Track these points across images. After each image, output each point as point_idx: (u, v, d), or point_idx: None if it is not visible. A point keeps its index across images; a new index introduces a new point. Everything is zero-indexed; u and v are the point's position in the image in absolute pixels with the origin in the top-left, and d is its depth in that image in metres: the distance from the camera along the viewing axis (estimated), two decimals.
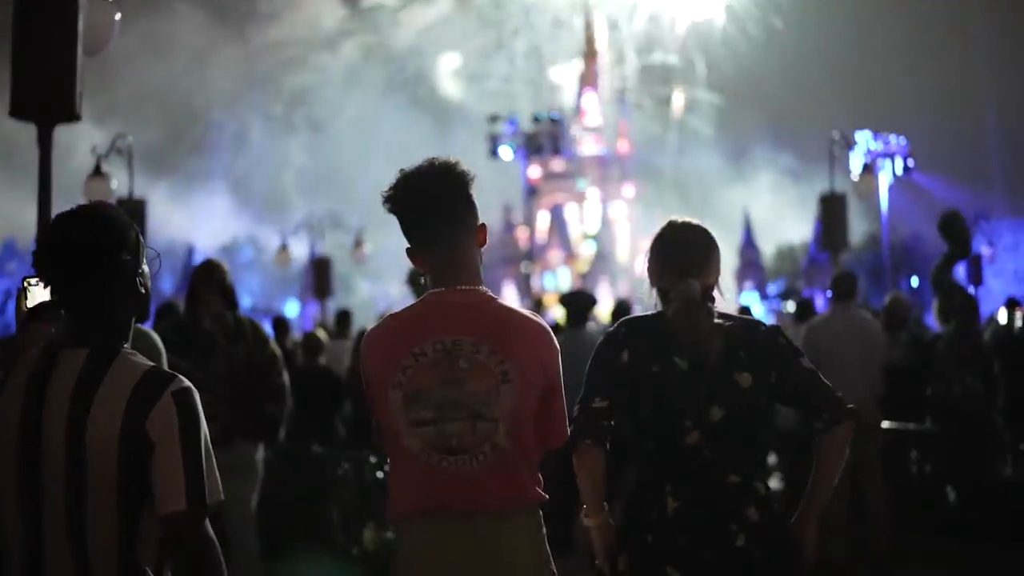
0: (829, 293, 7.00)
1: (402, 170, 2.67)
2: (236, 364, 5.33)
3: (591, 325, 7.17)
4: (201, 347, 5.29)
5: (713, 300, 2.94)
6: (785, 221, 72.94)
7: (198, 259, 52.95)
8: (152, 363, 2.23)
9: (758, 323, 2.99)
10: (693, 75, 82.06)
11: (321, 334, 9.36)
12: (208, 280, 5.44)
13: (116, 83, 52.46)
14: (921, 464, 8.12)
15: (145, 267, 2.33)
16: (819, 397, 2.91)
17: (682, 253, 2.95)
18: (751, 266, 58.77)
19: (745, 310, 9.66)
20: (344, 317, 13.20)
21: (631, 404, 2.92)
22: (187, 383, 2.19)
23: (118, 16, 6.68)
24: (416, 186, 2.63)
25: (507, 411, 2.54)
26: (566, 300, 6.90)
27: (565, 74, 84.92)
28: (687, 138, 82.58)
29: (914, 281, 44.99)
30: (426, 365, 2.57)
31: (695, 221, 3.04)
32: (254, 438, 5.47)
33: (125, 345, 2.27)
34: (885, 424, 7.32)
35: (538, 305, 28.48)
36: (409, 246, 2.69)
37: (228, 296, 5.48)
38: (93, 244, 2.20)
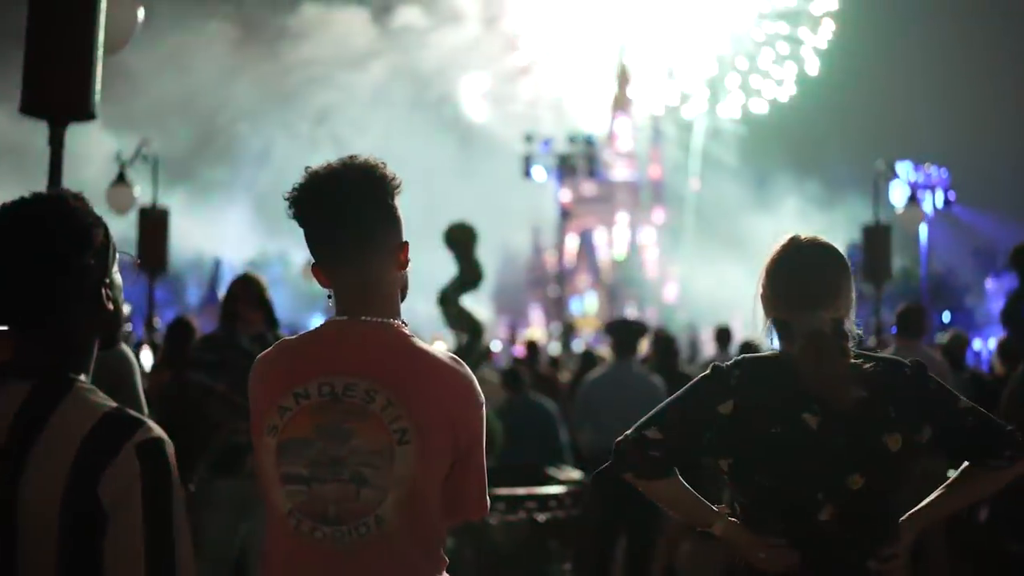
0: (894, 329, 6.42)
1: (309, 167, 2.19)
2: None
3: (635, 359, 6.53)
4: (239, 369, 4.85)
5: (847, 337, 2.41)
6: None
7: (226, 273, 52.91)
8: (114, 404, 1.69)
9: (900, 363, 2.43)
10: (716, 101, 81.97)
11: None
12: (247, 296, 5.00)
13: (141, 93, 52.59)
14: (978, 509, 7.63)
15: (116, 275, 1.83)
16: (993, 436, 2.38)
17: (809, 277, 2.44)
18: None
19: None
20: None
21: (739, 470, 2.41)
22: (157, 432, 1.69)
23: (141, 12, 6.36)
24: (325, 189, 2.13)
25: (399, 479, 2.03)
26: (613, 328, 6.32)
27: (593, 99, 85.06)
28: (711, 165, 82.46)
29: (946, 316, 44.32)
30: (306, 409, 2.07)
31: (823, 238, 2.53)
32: None
33: (83, 377, 1.74)
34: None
35: (569, 329, 28.06)
36: (315, 261, 2.21)
37: (267, 313, 5.05)
38: (43, 241, 1.70)
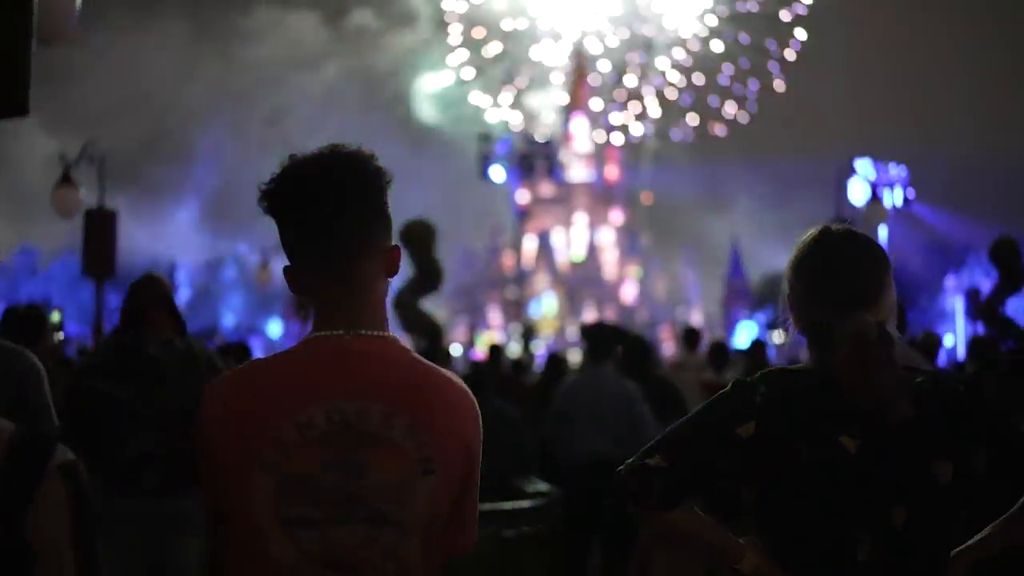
0: None
1: (292, 156, 1.90)
2: (186, 398, 4.44)
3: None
4: (145, 377, 4.41)
5: (893, 344, 2.02)
6: (767, 247, 73.02)
7: (181, 277, 52.24)
8: (12, 424, 1.44)
9: (952, 378, 2.12)
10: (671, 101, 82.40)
11: None
12: (153, 297, 4.54)
13: (89, 94, 51.98)
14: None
15: None
16: None
17: (850, 273, 2.08)
18: (739, 294, 58.24)
19: (760, 345, 8.76)
20: None
21: (764, 501, 2.06)
22: (69, 452, 1.47)
23: (79, 2, 6.04)
24: (310, 182, 1.84)
25: (422, 515, 1.80)
26: (588, 331, 6.00)
27: (546, 100, 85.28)
28: (663, 164, 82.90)
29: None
30: (314, 441, 1.79)
31: (858, 230, 2.18)
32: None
33: None
34: None
35: (529, 331, 27.71)
36: (289, 264, 1.91)
37: (176, 317, 4.60)
38: None
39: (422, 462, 1.78)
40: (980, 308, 6.26)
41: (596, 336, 5.72)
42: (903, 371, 2.01)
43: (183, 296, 53.04)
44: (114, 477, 4.18)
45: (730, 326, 56.50)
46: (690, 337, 8.49)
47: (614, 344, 5.77)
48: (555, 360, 8.29)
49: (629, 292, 77.06)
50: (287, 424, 1.78)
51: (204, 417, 1.86)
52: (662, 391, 6.10)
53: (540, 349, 52.19)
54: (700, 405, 2.15)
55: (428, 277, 5.01)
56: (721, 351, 6.81)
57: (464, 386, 1.91)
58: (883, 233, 20.55)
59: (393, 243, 1.93)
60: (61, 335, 6.35)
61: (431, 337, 4.94)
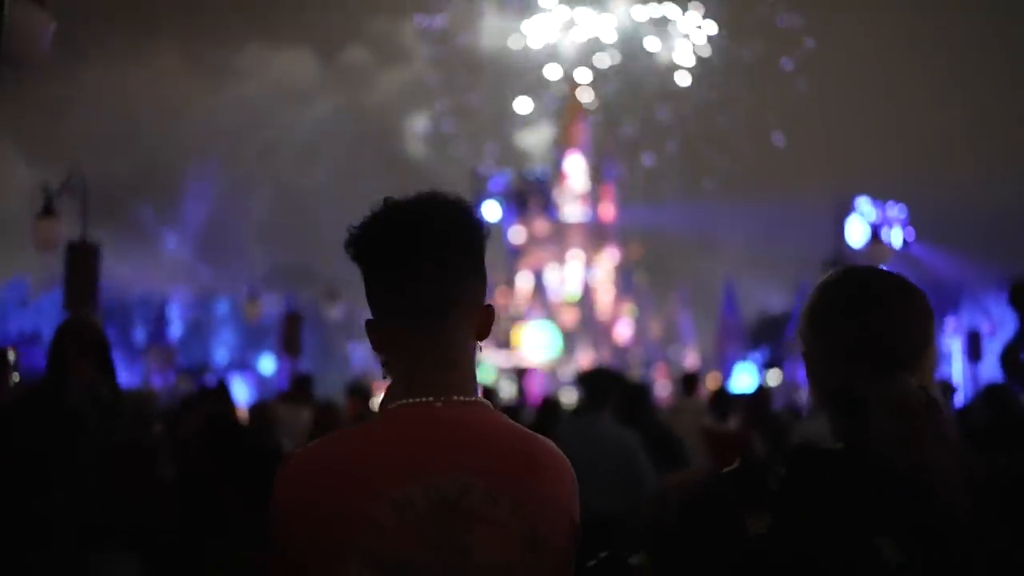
0: None
1: (387, 198, 1.78)
2: (106, 450, 4.09)
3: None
4: (64, 427, 4.06)
5: (943, 415, 1.58)
6: (761, 286, 73.22)
7: (173, 313, 51.92)
8: None
9: (1014, 464, 1.59)
10: (662, 136, 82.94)
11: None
12: (79, 339, 4.19)
13: (72, 123, 52.12)
14: None
15: None
16: None
17: (884, 327, 1.65)
18: (733, 333, 57.94)
19: (764, 391, 8.38)
20: (303, 383, 11.16)
21: None
22: None
23: (52, 26, 5.78)
24: (408, 228, 1.70)
25: None
26: (586, 378, 5.60)
27: (536, 137, 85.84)
28: (658, 201, 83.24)
29: None
30: (413, 523, 1.61)
31: (891, 271, 1.76)
32: (126, 547, 4.20)
33: None
34: None
35: (521, 372, 27.24)
36: (373, 317, 1.77)
37: (104, 361, 4.24)
38: None
39: (528, 541, 1.67)
40: (1001, 356, 5.90)
41: (594, 383, 5.34)
42: (959, 452, 1.57)
43: (175, 331, 52.69)
44: (26, 532, 3.91)
45: (725, 365, 56.12)
46: (688, 381, 8.13)
47: (612, 391, 5.40)
48: (549, 404, 7.92)
49: (624, 331, 76.76)
50: (383, 504, 1.62)
51: (279, 504, 1.68)
52: (661, 439, 5.76)
53: (532, 382, 51.76)
54: (697, 488, 1.76)
55: None
56: (723, 398, 6.45)
57: (561, 453, 1.80)
58: None
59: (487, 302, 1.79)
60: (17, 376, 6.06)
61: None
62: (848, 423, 1.65)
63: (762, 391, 8.12)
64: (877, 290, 1.70)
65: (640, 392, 6.32)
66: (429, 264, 1.68)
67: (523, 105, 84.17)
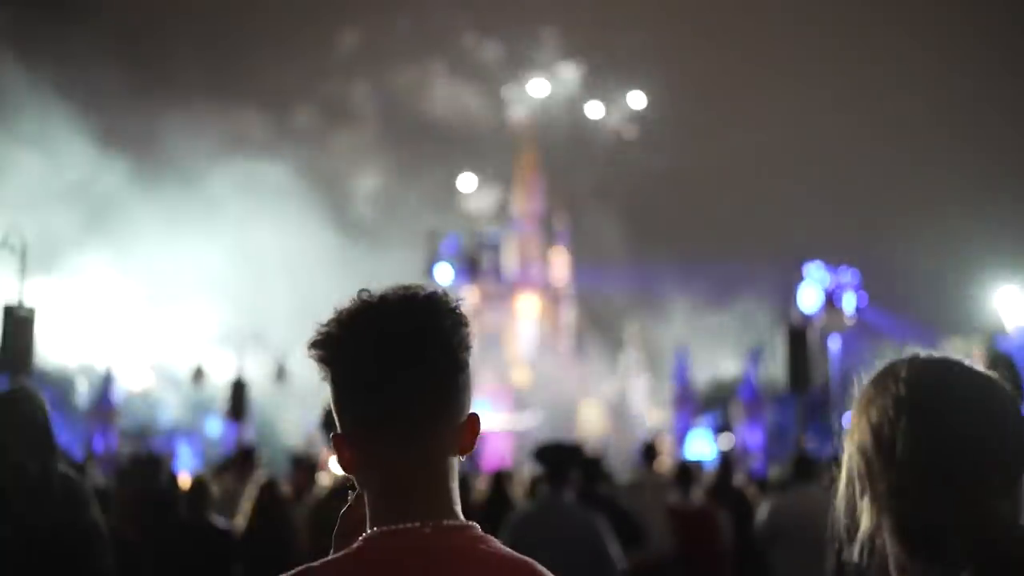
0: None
1: (361, 291, 1.56)
2: (34, 536, 3.69)
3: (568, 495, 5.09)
4: None
5: None
6: (706, 350, 73.73)
7: (115, 387, 50.90)
8: None
9: None
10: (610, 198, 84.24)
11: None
12: (9, 412, 3.83)
13: (7, 177, 51.86)
14: None
15: None
16: None
17: (987, 443, 1.29)
18: (685, 399, 57.83)
19: (727, 461, 8.05)
20: (246, 456, 10.59)
21: None
22: None
23: None
24: (379, 330, 1.50)
25: None
26: (543, 455, 5.09)
27: (481, 199, 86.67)
28: (603, 263, 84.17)
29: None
30: None
31: (974, 364, 1.39)
32: None
33: None
34: None
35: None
36: (341, 429, 1.56)
37: (38, 438, 3.87)
38: None
39: None
40: None
41: (553, 459, 4.92)
42: None
43: (119, 395, 51.60)
44: None
45: (679, 430, 55.99)
46: (648, 452, 7.81)
47: (572, 467, 5.00)
48: (500, 480, 7.53)
49: (578, 396, 76.59)
50: None
51: None
52: (622, 517, 5.43)
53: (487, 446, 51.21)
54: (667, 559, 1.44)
55: None
56: (686, 472, 6.15)
57: None
58: (834, 345, 20.24)
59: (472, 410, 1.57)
60: None
61: None
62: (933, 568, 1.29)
63: (725, 462, 7.82)
64: (974, 397, 1.35)
65: (599, 467, 5.99)
66: (409, 369, 1.48)
67: (467, 183, 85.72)
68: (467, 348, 1.54)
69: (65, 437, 47.73)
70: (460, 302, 1.54)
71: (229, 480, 9.22)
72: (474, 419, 1.56)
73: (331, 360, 1.55)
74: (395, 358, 1.48)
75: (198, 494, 6.65)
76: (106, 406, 45.43)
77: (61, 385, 53.48)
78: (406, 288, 1.53)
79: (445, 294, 1.53)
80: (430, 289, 1.53)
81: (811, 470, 5.91)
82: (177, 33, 73.68)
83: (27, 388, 4.05)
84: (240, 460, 10.62)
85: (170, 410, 57.76)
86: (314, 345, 1.56)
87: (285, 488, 8.30)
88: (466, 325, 1.53)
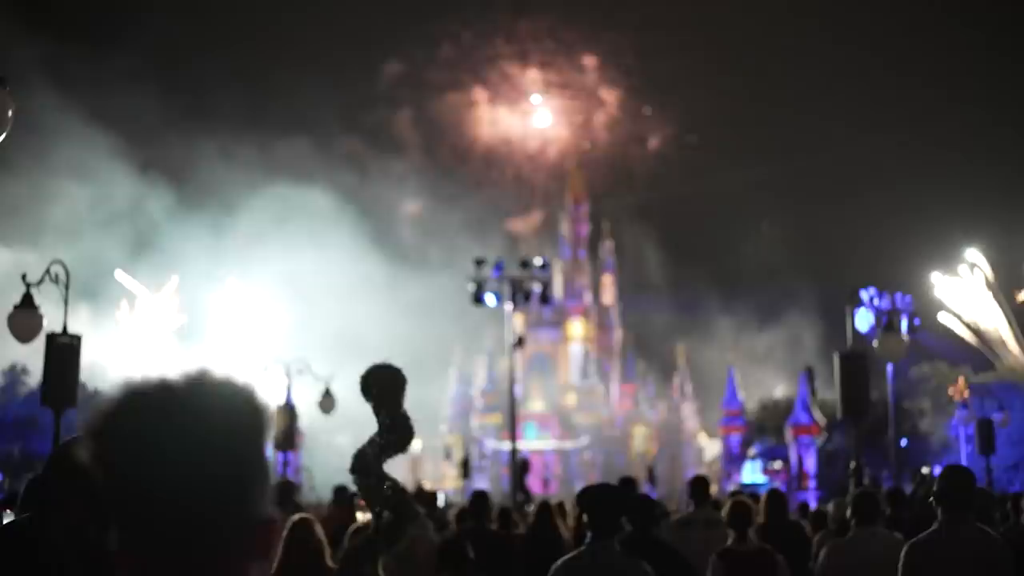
0: (936, 500, 4.72)
1: (126, 383, 1.33)
2: None
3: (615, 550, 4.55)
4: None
5: None
6: (753, 373, 73.03)
7: None
8: None
9: None
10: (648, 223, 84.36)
11: None
12: (71, 473, 3.53)
13: (60, 206, 52.43)
14: None
15: None
16: None
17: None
18: (735, 423, 57.00)
19: (778, 498, 7.56)
20: (285, 489, 10.00)
21: None
22: None
23: (11, 111, 5.43)
24: (157, 420, 1.27)
25: None
26: (586, 501, 4.65)
27: (524, 225, 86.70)
28: (645, 290, 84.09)
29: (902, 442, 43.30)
30: None
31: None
32: None
33: None
34: None
35: (524, 467, 26.22)
36: (120, 543, 1.28)
37: (97, 503, 3.57)
38: None
39: None
40: None
41: (598, 508, 4.57)
42: None
43: None
44: None
45: (730, 454, 55.21)
46: (698, 487, 7.44)
47: (620, 515, 4.67)
48: (545, 513, 7.20)
49: (626, 418, 75.84)
50: None
51: None
52: (673, 567, 5.11)
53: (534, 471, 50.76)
54: None
55: (395, 435, 4.09)
56: (741, 513, 5.77)
57: None
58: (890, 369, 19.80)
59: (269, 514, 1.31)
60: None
61: (396, 511, 3.97)
62: None
63: (778, 498, 7.38)
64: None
65: (650, 514, 5.66)
66: (185, 468, 1.26)
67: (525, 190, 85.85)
68: (261, 443, 1.33)
69: None
70: (255, 392, 1.32)
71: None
72: (271, 525, 1.33)
73: (98, 462, 1.34)
74: (172, 458, 1.28)
75: None
76: None
77: None
78: (195, 376, 1.30)
79: (241, 384, 1.31)
80: (220, 377, 1.30)
81: (874, 511, 5.58)
82: (218, 66, 74.91)
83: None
84: (277, 495, 9.61)
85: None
86: (81, 443, 1.36)
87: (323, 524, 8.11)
88: (261, 415, 1.32)
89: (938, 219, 60.26)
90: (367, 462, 4.00)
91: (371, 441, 4.08)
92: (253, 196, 63.55)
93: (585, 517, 4.53)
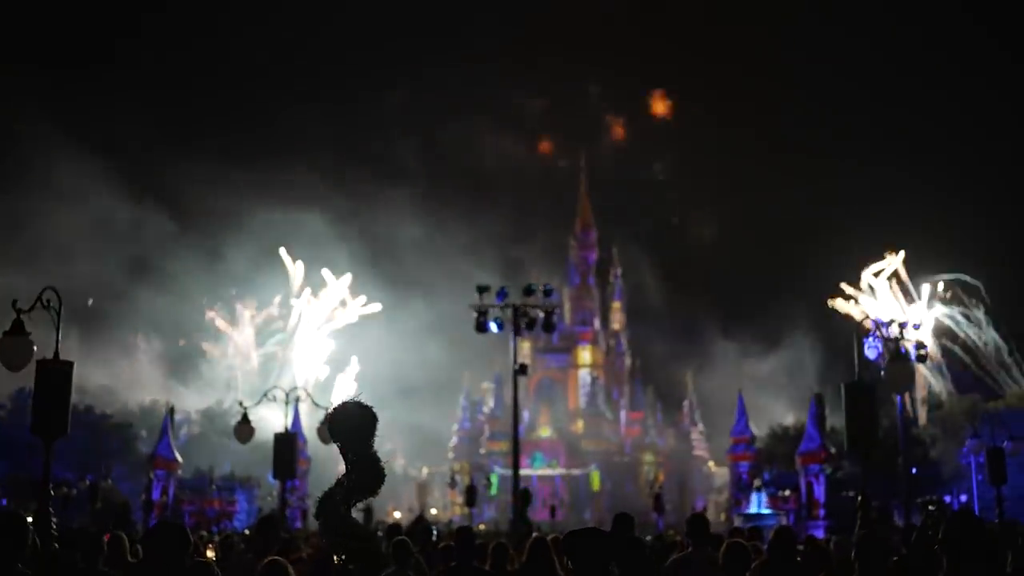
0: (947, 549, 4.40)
1: None
2: None
3: None
4: None
5: None
6: (765, 402, 72.73)
7: (179, 421, 50.56)
8: None
9: None
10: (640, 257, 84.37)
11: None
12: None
13: (46, 235, 52.42)
14: None
15: None
16: None
17: None
18: (745, 448, 56.30)
19: (787, 536, 7.25)
20: (266, 525, 9.27)
21: None
22: None
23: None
24: None
25: None
26: (574, 546, 4.39)
27: (528, 251, 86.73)
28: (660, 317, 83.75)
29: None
30: None
31: None
32: None
33: None
34: None
35: (526, 497, 25.78)
36: None
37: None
38: None
39: None
40: None
41: (586, 553, 4.28)
42: None
43: (180, 441, 51.30)
44: None
45: (738, 482, 54.57)
46: (696, 526, 7.11)
47: (607, 561, 4.35)
48: (540, 548, 6.88)
49: (636, 447, 75.36)
50: None
51: None
52: None
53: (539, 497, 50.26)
54: None
55: (364, 477, 3.84)
56: (739, 557, 5.47)
57: None
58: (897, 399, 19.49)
59: None
60: None
61: (363, 559, 3.65)
62: None
63: (785, 537, 7.02)
64: None
65: (638, 556, 5.37)
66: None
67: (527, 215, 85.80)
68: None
69: (127, 487, 47.61)
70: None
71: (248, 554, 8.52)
72: None
73: None
74: None
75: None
76: (168, 455, 45.08)
77: (122, 432, 53.64)
78: None
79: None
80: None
81: (876, 553, 5.30)
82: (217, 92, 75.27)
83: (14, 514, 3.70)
84: (259, 530, 9.38)
85: (231, 461, 57.39)
86: None
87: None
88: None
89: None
90: (332, 508, 3.74)
91: (338, 482, 3.83)
92: (253, 221, 63.60)
93: (570, 564, 4.25)
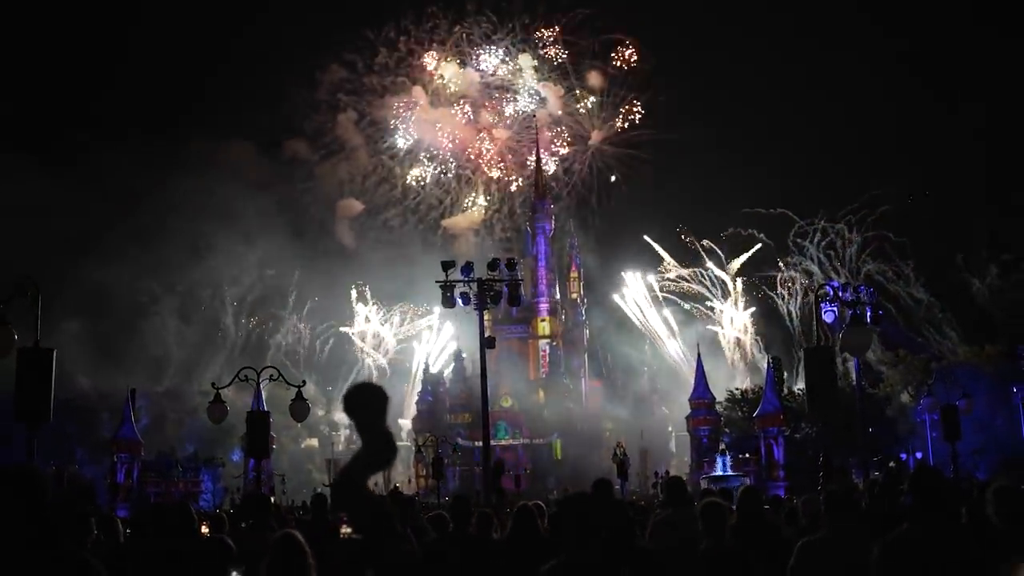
0: (908, 497, 4.90)
1: None
2: None
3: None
4: None
5: None
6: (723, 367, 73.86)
7: (141, 403, 50.34)
8: None
9: None
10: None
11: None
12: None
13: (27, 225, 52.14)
14: None
15: None
16: None
17: None
18: (706, 413, 57.04)
19: (753, 496, 7.54)
20: (257, 504, 9.37)
21: None
22: None
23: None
24: None
25: None
26: (567, 511, 4.63)
27: (462, 223, 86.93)
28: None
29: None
30: None
31: None
32: None
33: None
34: None
35: (498, 468, 26.21)
36: None
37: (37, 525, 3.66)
38: None
39: None
40: None
41: (574, 519, 4.53)
42: None
43: (142, 423, 51.18)
44: None
45: (700, 446, 55.34)
46: (675, 488, 7.45)
47: (594, 525, 4.45)
48: (524, 516, 7.17)
49: (594, 415, 75.89)
50: None
51: None
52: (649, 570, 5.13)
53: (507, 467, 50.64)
54: None
55: (379, 452, 4.14)
56: (716, 516, 5.85)
57: None
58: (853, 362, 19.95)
59: None
60: None
61: (378, 524, 3.97)
62: None
63: (752, 496, 7.36)
64: None
65: (625, 519, 5.72)
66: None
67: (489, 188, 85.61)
68: None
69: (91, 471, 47.45)
70: None
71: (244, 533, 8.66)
72: None
73: None
74: None
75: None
76: (130, 436, 45.10)
77: (85, 416, 53.49)
78: None
79: None
80: None
81: (845, 504, 5.66)
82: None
83: (27, 468, 3.83)
84: (244, 509, 9.54)
85: (195, 441, 57.38)
86: None
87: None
88: None
89: None
90: (351, 481, 4.03)
91: (356, 457, 4.12)
92: (202, 203, 63.50)
93: (568, 527, 4.55)
